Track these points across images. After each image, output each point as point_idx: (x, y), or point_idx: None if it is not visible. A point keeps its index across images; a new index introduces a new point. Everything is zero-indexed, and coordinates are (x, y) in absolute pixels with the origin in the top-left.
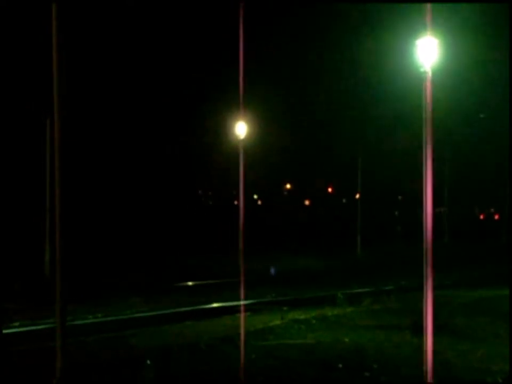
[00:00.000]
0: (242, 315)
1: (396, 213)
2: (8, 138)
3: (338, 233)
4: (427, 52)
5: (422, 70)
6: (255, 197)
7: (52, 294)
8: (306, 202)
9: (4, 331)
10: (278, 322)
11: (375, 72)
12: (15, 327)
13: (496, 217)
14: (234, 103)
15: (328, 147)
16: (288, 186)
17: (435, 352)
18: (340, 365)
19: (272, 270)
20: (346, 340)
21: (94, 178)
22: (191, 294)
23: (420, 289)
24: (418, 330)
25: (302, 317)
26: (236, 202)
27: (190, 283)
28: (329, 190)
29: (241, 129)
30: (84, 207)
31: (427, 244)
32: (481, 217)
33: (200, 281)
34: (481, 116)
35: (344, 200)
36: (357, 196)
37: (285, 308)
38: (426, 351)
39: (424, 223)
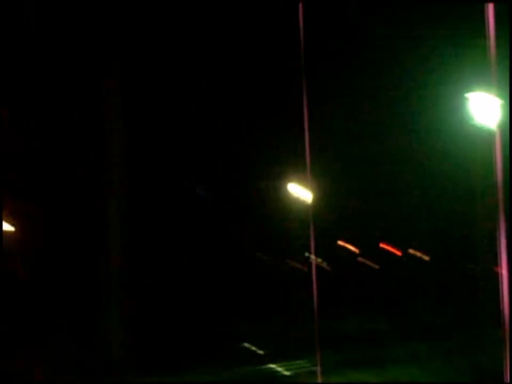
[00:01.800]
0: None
1: None
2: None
3: (404, 292)
4: (489, 106)
5: (475, 123)
6: (320, 261)
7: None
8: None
9: None
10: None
11: (436, 126)
12: None
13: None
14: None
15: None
16: (354, 249)
17: None
18: None
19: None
20: None
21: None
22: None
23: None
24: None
25: (364, 378)
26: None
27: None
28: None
29: (306, 194)
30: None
31: None
32: None
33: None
34: None
35: (404, 258)
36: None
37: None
38: None
39: None
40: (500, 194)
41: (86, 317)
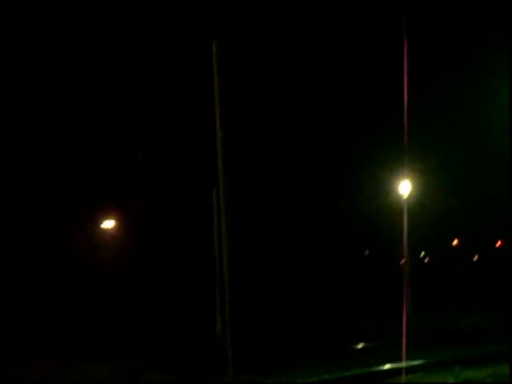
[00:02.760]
0: (415, 375)
1: None
2: (176, 211)
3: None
4: None
5: None
6: (422, 254)
7: (223, 361)
8: (475, 258)
9: None
10: (451, 381)
11: None
12: None
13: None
14: (395, 160)
15: (494, 199)
16: (455, 242)
17: None
18: None
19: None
20: None
21: (265, 237)
22: (358, 356)
23: None
24: None
25: (476, 375)
26: (402, 261)
27: (360, 345)
28: (498, 244)
29: (405, 188)
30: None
31: None
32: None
33: (369, 343)
34: None
35: None
36: None
37: (456, 367)
38: None
39: None
40: None
41: (193, 318)
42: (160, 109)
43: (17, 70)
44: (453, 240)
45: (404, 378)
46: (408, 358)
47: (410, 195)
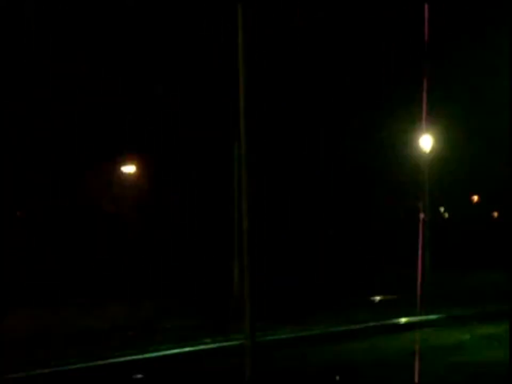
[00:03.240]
0: (431, 330)
1: None
2: (197, 158)
3: None
4: None
5: None
6: (442, 209)
7: (240, 311)
8: (495, 214)
9: (196, 347)
10: (467, 337)
11: None
12: (205, 343)
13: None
14: (418, 112)
15: None
16: (475, 198)
17: None
18: None
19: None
20: None
21: (281, 193)
22: (379, 308)
23: None
24: None
25: (492, 331)
26: (422, 216)
27: (377, 298)
28: None
29: (426, 142)
30: (272, 222)
31: None
32: None
33: (387, 295)
34: None
35: None
36: None
37: (473, 323)
38: None
39: None
40: None
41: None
42: (183, 57)
43: None
44: (473, 196)
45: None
46: (424, 312)
47: (431, 149)
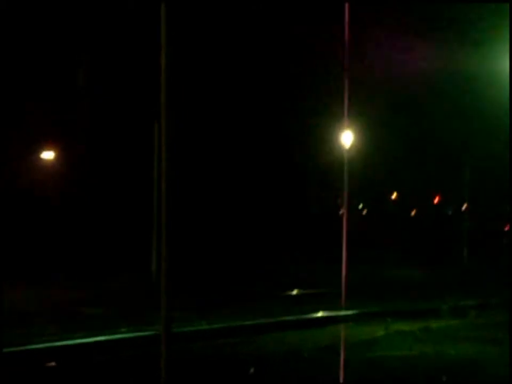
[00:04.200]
0: (346, 325)
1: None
2: (117, 143)
3: (444, 244)
4: None
5: None
6: (360, 206)
7: (157, 301)
8: (412, 212)
9: (111, 336)
10: (381, 333)
11: (482, 79)
12: (121, 332)
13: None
14: (339, 109)
15: (435, 155)
16: (394, 195)
17: None
18: (444, 378)
19: None
20: (452, 352)
21: (199, 182)
22: (294, 303)
23: None
24: None
25: (406, 328)
26: (341, 212)
27: (294, 292)
28: (436, 200)
29: (347, 138)
30: (190, 212)
31: None
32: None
33: (303, 290)
34: None
35: (450, 212)
36: (464, 207)
37: (388, 319)
38: None
39: None
40: None
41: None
42: (106, 41)
43: None
44: (392, 193)
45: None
46: (341, 307)
47: (352, 146)
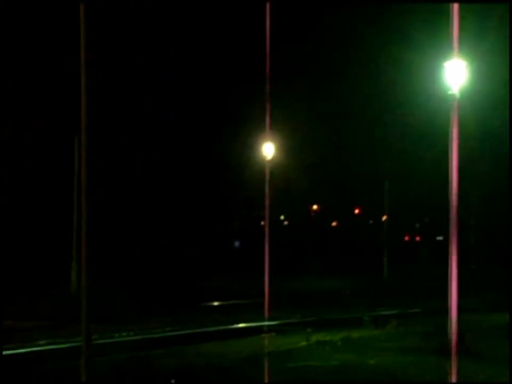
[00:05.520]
0: (268, 335)
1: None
2: (38, 156)
3: (364, 255)
4: (455, 74)
5: (449, 92)
6: (282, 217)
7: (77, 312)
8: (334, 224)
9: (30, 349)
10: (303, 343)
11: (400, 93)
12: (40, 345)
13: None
14: (261, 122)
15: (355, 168)
16: (315, 207)
17: (461, 376)
18: None
19: None
20: (372, 362)
21: (120, 193)
22: (216, 314)
23: (446, 312)
24: (445, 353)
25: (328, 338)
26: (262, 223)
27: (215, 303)
28: (356, 211)
29: (268, 149)
30: (109, 224)
31: (452, 267)
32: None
33: (225, 301)
34: None
35: (371, 222)
36: (384, 218)
37: (309, 329)
38: (451, 373)
39: (450, 245)
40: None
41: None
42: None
43: None
44: (312, 205)
45: (256, 338)
46: (263, 318)
47: (273, 157)
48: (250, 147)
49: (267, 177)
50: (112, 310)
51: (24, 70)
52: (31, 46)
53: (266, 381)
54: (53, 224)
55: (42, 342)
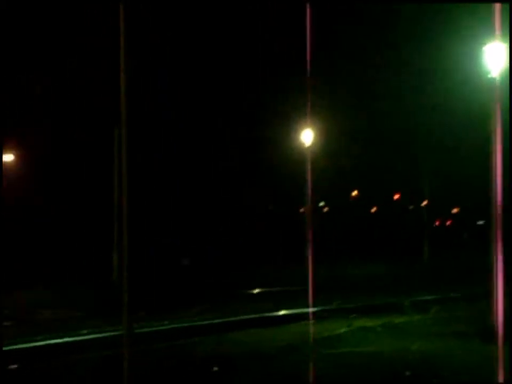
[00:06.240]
0: (309, 322)
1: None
2: (78, 149)
3: (405, 240)
4: (495, 57)
5: (489, 76)
6: (321, 204)
7: (119, 301)
8: (373, 209)
9: (73, 338)
10: (344, 329)
11: (440, 77)
12: (83, 334)
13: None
14: (302, 107)
15: (396, 153)
16: (354, 193)
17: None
18: (408, 373)
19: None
20: (414, 347)
21: (161, 185)
22: (258, 301)
23: (486, 297)
24: (488, 337)
25: (369, 324)
26: (301, 210)
27: (256, 290)
28: (396, 197)
29: (307, 136)
30: (149, 215)
31: (497, 250)
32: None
33: (267, 288)
34: None
35: (411, 207)
36: (424, 203)
37: (351, 315)
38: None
39: (494, 230)
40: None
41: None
42: (65, 41)
43: None
44: (352, 191)
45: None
46: (305, 305)
47: (312, 144)
48: (289, 135)
49: (308, 165)
50: (152, 298)
51: (63, 65)
52: (68, 40)
53: (307, 367)
54: (94, 218)
55: (84, 331)
